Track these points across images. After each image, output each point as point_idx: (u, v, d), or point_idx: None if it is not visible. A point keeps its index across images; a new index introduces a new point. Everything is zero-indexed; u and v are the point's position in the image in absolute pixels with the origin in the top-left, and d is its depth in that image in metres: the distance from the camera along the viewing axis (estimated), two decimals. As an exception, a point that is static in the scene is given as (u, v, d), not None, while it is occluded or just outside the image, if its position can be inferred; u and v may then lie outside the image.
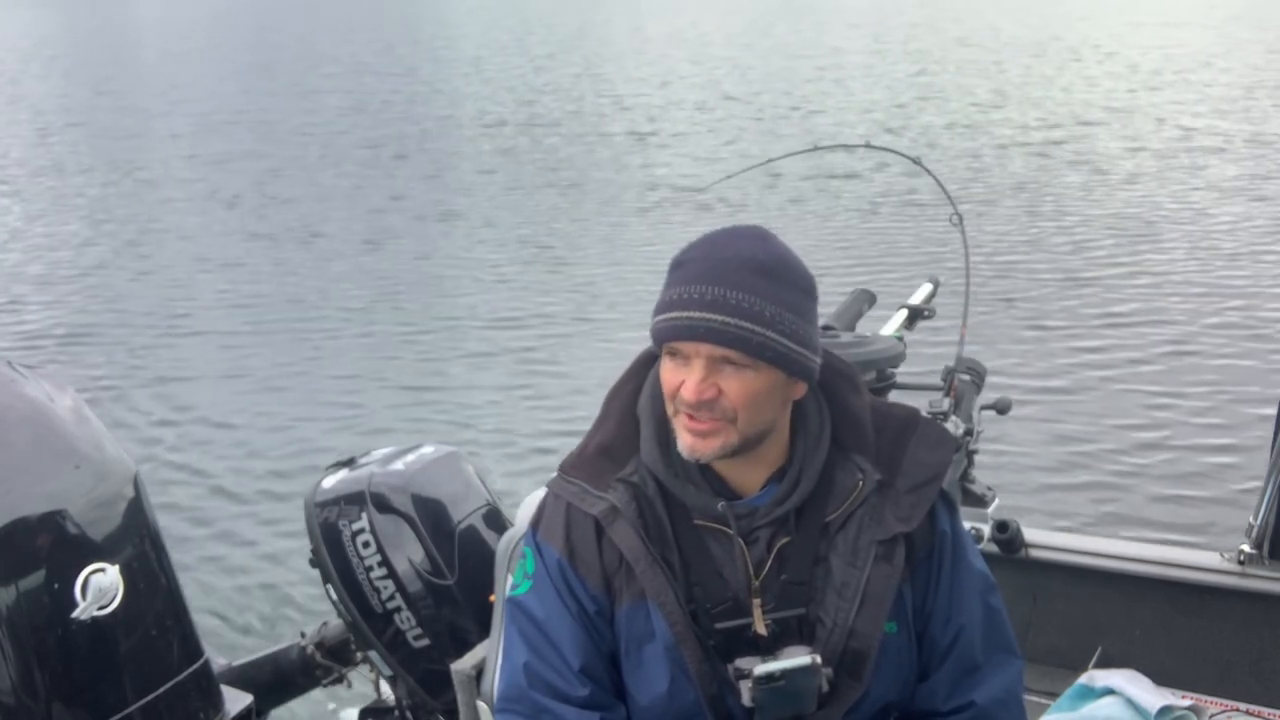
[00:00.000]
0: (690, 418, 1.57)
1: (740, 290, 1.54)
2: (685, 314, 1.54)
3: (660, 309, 1.58)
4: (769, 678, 1.57)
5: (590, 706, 1.65)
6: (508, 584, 2.04)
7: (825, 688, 1.60)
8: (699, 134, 15.61)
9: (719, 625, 1.62)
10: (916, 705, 1.70)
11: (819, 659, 1.59)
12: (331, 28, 35.84)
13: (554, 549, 1.67)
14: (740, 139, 14.98)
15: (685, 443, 1.59)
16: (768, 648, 1.61)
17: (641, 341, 1.68)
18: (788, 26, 30.79)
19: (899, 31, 28.22)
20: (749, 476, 1.64)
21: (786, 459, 1.64)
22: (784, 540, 1.62)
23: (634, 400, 1.70)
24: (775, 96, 18.55)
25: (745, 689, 1.59)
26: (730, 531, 1.62)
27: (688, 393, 1.55)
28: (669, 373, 1.59)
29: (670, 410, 1.61)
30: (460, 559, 2.59)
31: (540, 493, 1.77)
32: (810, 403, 1.65)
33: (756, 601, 1.62)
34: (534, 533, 1.72)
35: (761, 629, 1.61)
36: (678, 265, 1.60)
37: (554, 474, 1.72)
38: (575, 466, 1.69)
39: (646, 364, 1.71)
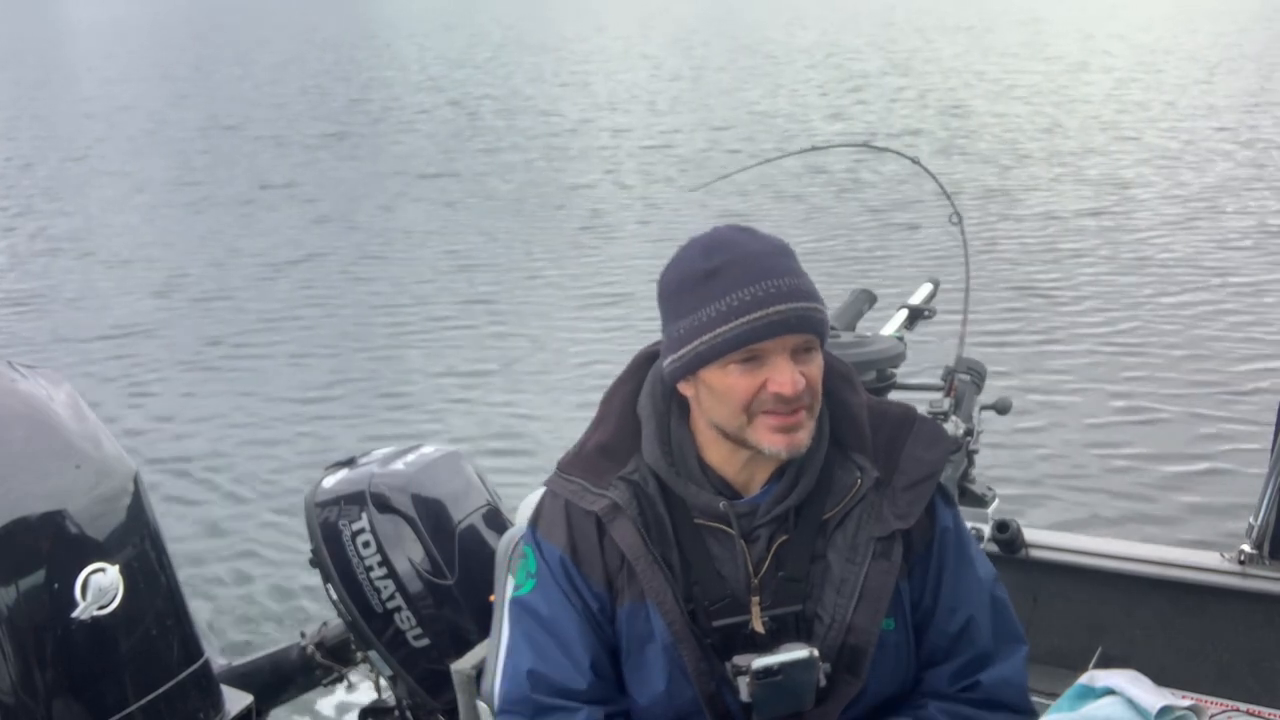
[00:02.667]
0: (776, 415, 1.54)
1: (797, 276, 1.56)
2: (773, 309, 1.52)
3: (728, 316, 1.52)
4: (767, 671, 1.58)
5: (597, 701, 1.65)
6: (509, 585, 2.03)
7: (823, 683, 1.61)
8: (697, 132, 15.61)
9: (717, 623, 1.62)
10: (922, 688, 1.70)
11: (817, 653, 1.59)
12: (278, 28, 35.70)
13: (556, 547, 1.67)
14: (738, 138, 14.98)
15: (779, 444, 1.55)
16: (765, 645, 1.61)
17: (639, 339, 1.67)
18: (778, 26, 30.79)
19: (896, 30, 28.22)
20: (750, 475, 1.64)
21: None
22: (783, 538, 1.63)
23: (633, 400, 1.70)
24: (772, 95, 18.55)
25: (743, 684, 1.59)
26: (731, 531, 1.62)
27: (787, 387, 1.52)
28: (743, 379, 1.54)
29: (739, 422, 1.56)
30: (460, 559, 2.59)
31: (540, 492, 1.77)
32: None
33: (755, 599, 1.62)
34: (534, 531, 1.72)
35: (759, 626, 1.62)
36: (710, 274, 1.55)
37: (552, 473, 1.72)
38: (574, 465, 1.69)
39: (645, 364, 1.71)
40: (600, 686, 1.66)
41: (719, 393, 1.57)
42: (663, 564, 1.62)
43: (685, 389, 1.62)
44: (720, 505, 1.62)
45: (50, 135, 17.75)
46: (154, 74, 25.60)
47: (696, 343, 1.55)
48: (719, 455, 1.63)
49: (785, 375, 1.53)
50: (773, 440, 1.55)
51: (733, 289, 1.53)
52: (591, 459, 1.68)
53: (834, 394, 1.67)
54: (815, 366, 1.57)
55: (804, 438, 1.57)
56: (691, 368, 1.58)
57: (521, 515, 2.27)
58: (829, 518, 1.63)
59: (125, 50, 32.62)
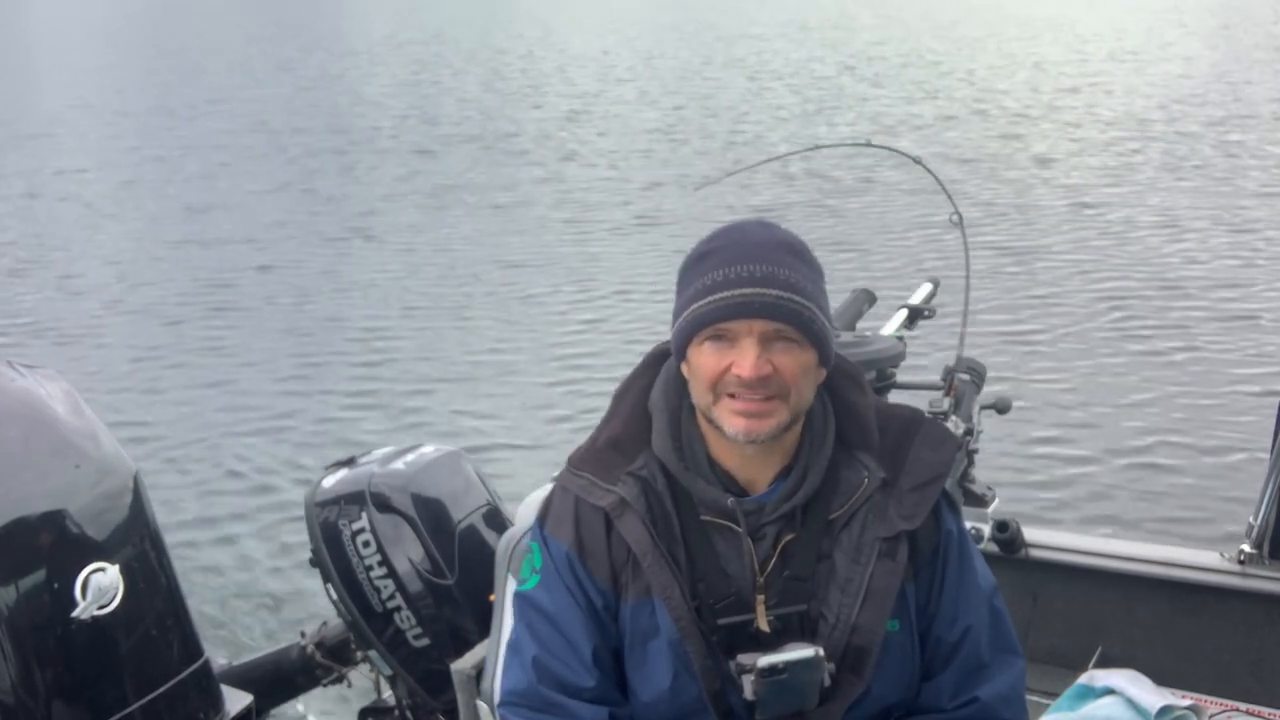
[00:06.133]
0: (740, 399, 1.56)
1: (786, 268, 1.56)
2: (738, 291, 1.54)
3: (701, 294, 1.57)
4: (772, 670, 1.58)
5: (599, 700, 1.66)
6: (510, 582, 2.04)
7: (827, 683, 1.61)
8: (696, 131, 15.60)
9: (722, 621, 1.63)
10: (921, 703, 1.70)
11: (822, 652, 1.59)
12: (254, 31, 35.61)
13: (562, 543, 1.68)
14: (739, 136, 14.98)
15: (738, 426, 1.57)
16: (770, 644, 1.62)
17: (644, 338, 1.68)
18: (778, 25, 30.79)
19: (899, 29, 28.21)
20: (757, 472, 1.65)
21: (793, 456, 1.65)
22: (789, 537, 1.63)
23: (645, 396, 1.71)
24: (771, 94, 18.55)
25: (748, 682, 1.60)
26: (738, 529, 1.63)
27: (745, 370, 1.54)
28: (711, 358, 1.57)
29: (707, 400, 1.59)
30: (460, 559, 2.59)
31: (541, 491, 1.78)
32: (816, 401, 1.66)
33: (760, 597, 1.62)
34: (541, 527, 1.73)
35: (764, 625, 1.62)
36: (704, 255, 1.60)
37: (560, 469, 1.73)
38: (584, 460, 1.70)
39: (657, 361, 1.72)
40: (604, 684, 1.66)
41: (694, 369, 1.61)
42: (669, 559, 1.62)
43: (685, 371, 1.65)
44: (728, 502, 1.62)
45: (44, 133, 17.75)
46: (150, 72, 25.61)
47: (680, 320, 1.60)
48: (725, 453, 1.64)
49: (747, 359, 1.54)
50: (733, 422, 1.57)
51: (714, 269, 1.57)
52: (602, 454, 1.69)
53: (840, 394, 1.68)
54: (790, 358, 1.56)
55: (766, 426, 1.57)
56: (679, 345, 1.62)
57: (521, 515, 2.27)
58: (835, 517, 1.64)
59: (120, 45, 32.63)
